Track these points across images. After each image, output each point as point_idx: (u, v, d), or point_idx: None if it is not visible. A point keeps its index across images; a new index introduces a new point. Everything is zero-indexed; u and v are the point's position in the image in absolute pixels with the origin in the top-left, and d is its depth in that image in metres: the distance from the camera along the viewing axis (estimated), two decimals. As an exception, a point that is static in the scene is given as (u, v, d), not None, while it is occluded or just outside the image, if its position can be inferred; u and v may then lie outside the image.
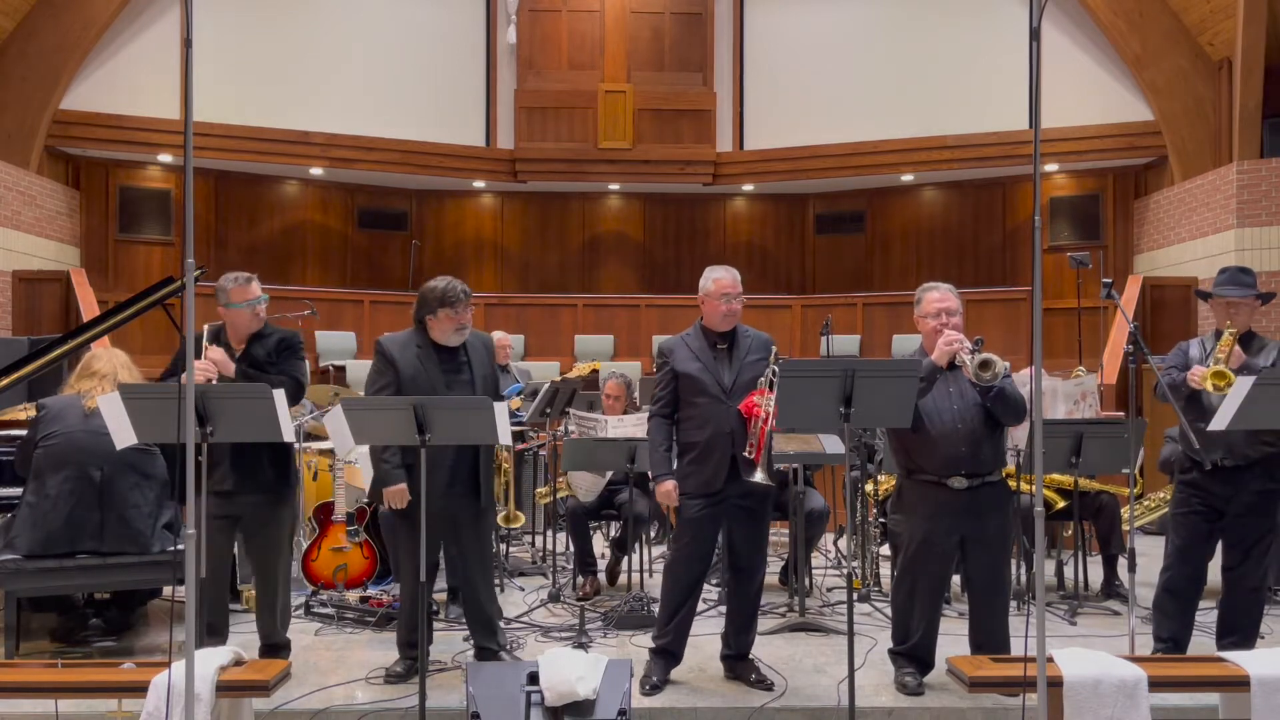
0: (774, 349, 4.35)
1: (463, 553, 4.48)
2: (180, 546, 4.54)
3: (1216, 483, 4.36)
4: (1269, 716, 3.38)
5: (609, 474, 6.10)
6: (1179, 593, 4.51)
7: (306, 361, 4.72)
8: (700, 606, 4.95)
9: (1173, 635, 4.52)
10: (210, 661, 3.39)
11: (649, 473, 4.50)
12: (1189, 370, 4.37)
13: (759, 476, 4.15)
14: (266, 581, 4.50)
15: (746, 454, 4.17)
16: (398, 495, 4.25)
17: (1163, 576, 4.56)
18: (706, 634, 4.64)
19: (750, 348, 4.37)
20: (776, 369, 4.17)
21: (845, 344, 11.78)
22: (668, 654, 4.39)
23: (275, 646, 4.52)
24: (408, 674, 4.33)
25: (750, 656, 4.47)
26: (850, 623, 3.77)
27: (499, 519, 5.57)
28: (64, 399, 4.78)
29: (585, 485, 6.17)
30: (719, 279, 4.38)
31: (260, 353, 4.48)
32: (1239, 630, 4.42)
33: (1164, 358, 4.69)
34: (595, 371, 7.92)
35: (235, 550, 5.82)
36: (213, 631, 4.45)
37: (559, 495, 6.70)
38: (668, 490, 4.31)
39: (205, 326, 4.56)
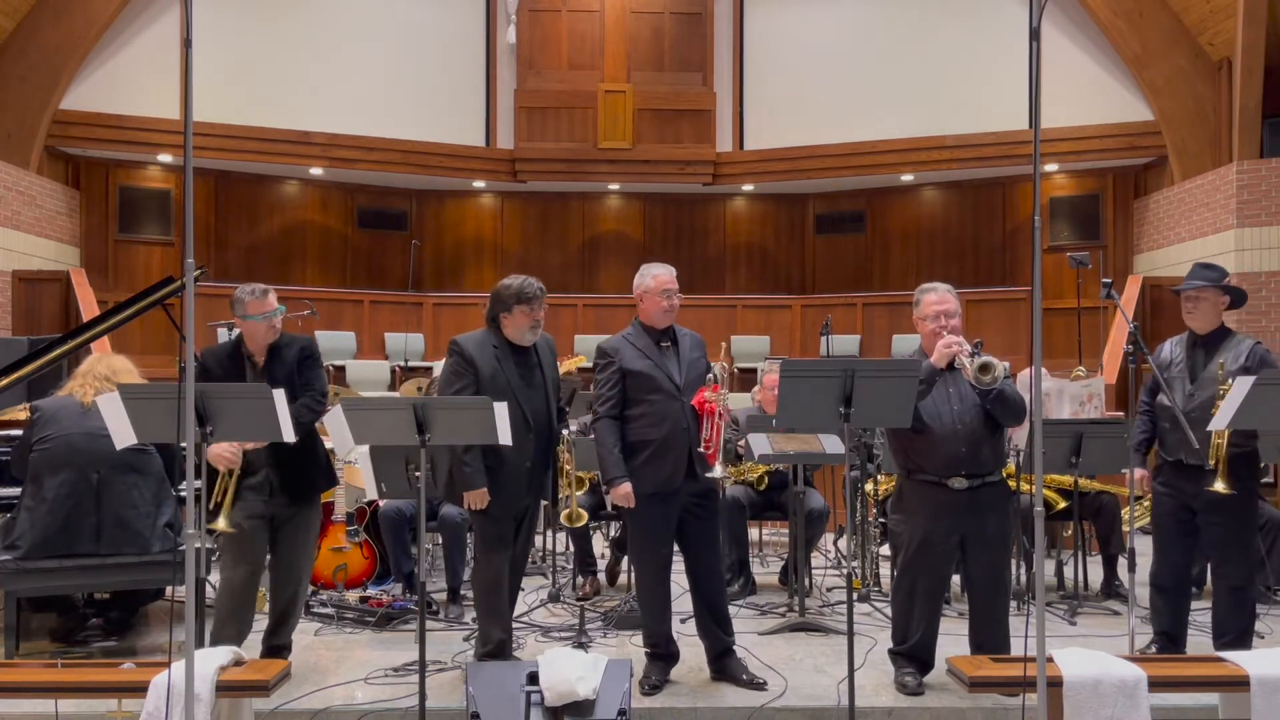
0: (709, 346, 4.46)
1: (524, 552, 4.52)
2: (182, 547, 4.52)
3: (1185, 481, 4.39)
4: (1269, 716, 3.38)
5: None
6: (1165, 588, 4.55)
7: (323, 370, 4.68)
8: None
9: (1164, 629, 4.56)
10: (210, 661, 3.39)
11: (602, 477, 4.43)
12: (1164, 379, 4.48)
13: (718, 472, 4.24)
14: (289, 583, 4.47)
15: (703, 450, 4.19)
16: (479, 498, 4.21)
17: (1150, 573, 4.61)
18: (706, 634, 4.64)
19: (690, 345, 4.41)
20: (725, 365, 4.34)
21: (845, 344, 11.79)
22: (664, 656, 4.39)
23: (279, 647, 4.51)
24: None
25: (736, 650, 4.43)
26: (850, 623, 3.77)
27: (563, 517, 5.57)
28: (58, 400, 4.77)
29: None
30: (658, 275, 4.37)
31: (280, 371, 4.39)
32: (1228, 631, 4.42)
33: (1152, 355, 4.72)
34: (582, 368, 7.90)
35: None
36: (242, 638, 4.45)
37: (562, 496, 6.69)
38: (626, 493, 4.24)
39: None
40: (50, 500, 4.53)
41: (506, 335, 4.36)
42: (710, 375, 4.34)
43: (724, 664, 4.39)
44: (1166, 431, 4.47)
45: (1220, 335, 4.45)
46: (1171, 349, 4.57)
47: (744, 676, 4.33)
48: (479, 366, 4.27)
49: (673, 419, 4.25)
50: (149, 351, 10.83)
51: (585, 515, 5.83)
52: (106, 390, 4.52)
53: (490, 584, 4.32)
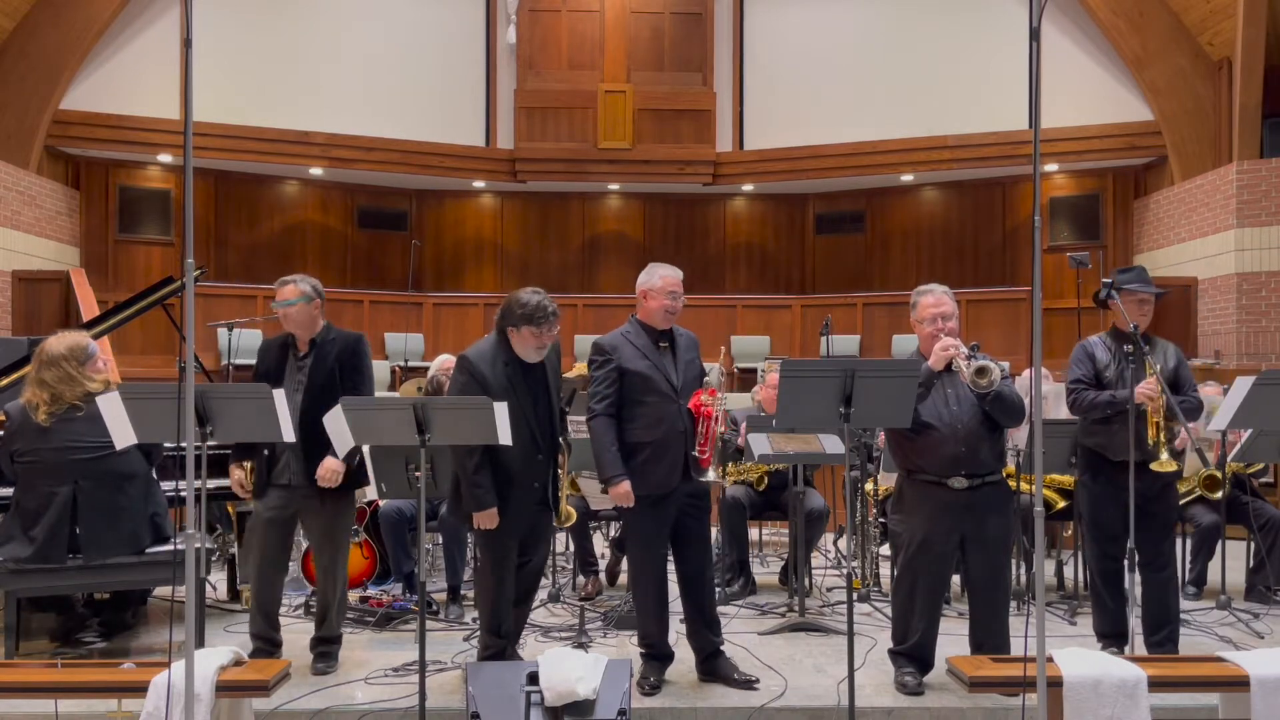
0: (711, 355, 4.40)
1: (538, 563, 4.49)
2: (181, 546, 4.50)
3: (1133, 480, 4.32)
4: (1269, 716, 3.38)
5: None
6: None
7: (370, 369, 4.68)
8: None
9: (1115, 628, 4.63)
10: (210, 661, 3.39)
11: (600, 475, 4.35)
12: (1103, 381, 4.48)
13: (711, 476, 4.17)
14: (326, 575, 4.52)
15: (697, 454, 4.17)
16: (489, 519, 4.14)
17: (1099, 571, 4.67)
18: (706, 634, 4.64)
19: (686, 345, 4.38)
20: (723, 368, 4.22)
21: (845, 344, 11.79)
22: (658, 656, 4.38)
23: (320, 640, 4.53)
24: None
25: (724, 651, 4.42)
26: (850, 623, 3.77)
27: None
28: (21, 411, 4.59)
29: (595, 493, 6.16)
30: (666, 276, 4.34)
31: (321, 367, 4.42)
32: (1150, 623, 4.50)
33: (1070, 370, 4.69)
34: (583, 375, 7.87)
35: (235, 551, 5.86)
36: (268, 640, 4.46)
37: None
38: (626, 492, 4.19)
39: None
40: (34, 510, 4.46)
41: (514, 350, 4.24)
42: (707, 379, 4.29)
43: (713, 665, 4.37)
44: (1114, 433, 4.42)
45: (1146, 339, 4.55)
46: (1105, 351, 4.57)
47: (735, 675, 4.31)
48: (491, 387, 4.12)
49: (669, 421, 4.22)
50: (149, 351, 10.84)
51: (574, 514, 5.82)
52: (45, 405, 4.47)
53: (494, 600, 4.28)
